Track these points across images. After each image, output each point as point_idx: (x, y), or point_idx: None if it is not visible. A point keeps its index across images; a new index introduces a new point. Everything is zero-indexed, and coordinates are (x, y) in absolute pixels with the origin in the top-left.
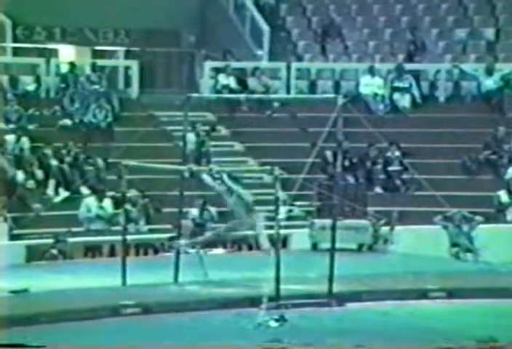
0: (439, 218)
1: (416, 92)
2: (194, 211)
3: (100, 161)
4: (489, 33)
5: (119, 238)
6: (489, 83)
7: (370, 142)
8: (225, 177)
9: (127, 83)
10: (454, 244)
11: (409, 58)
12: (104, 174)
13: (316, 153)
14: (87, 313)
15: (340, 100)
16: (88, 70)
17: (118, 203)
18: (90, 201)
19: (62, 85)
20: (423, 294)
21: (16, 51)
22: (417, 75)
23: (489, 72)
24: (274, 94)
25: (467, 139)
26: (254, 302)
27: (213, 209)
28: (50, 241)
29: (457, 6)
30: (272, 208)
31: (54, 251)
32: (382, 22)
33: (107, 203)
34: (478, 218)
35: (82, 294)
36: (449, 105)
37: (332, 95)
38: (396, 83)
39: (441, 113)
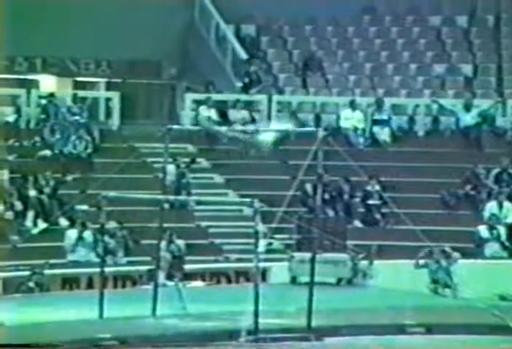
0: (420, 253)
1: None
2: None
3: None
4: (467, 69)
5: (97, 270)
6: (468, 118)
7: (346, 177)
8: None
9: (108, 114)
10: (433, 280)
11: None
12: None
13: (296, 186)
14: (64, 346)
15: (321, 133)
16: (69, 101)
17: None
18: (71, 232)
19: (43, 116)
20: (402, 330)
21: None
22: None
23: (468, 108)
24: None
25: (446, 174)
26: (232, 335)
27: (181, 242)
28: (26, 273)
29: (435, 42)
30: (251, 241)
31: (31, 284)
32: (362, 57)
33: (87, 234)
34: (456, 254)
35: (59, 327)
36: (428, 139)
37: (312, 128)
38: (376, 116)
39: (420, 147)
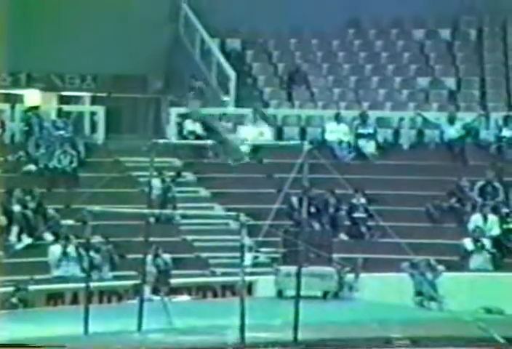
0: (406, 265)
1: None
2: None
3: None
4: (451, 82)
5: (82, 285)
6: (452, 131)
7: (332, 190)
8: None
9: (93, 128)
10: (418, 292)
11: None
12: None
13: (282, 199)
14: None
15: (306, 147)
16: (54, 116)
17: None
18: (55, 247)
19: (27, 130)
20: (388, 342)
21: None
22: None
23: (451, 121)
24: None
25: (431, 187)
26: None
27: (166, 256)
28: (10, 289)
29: (419, 55)
30: (237, 254)
31: (14, 300)
32: (347, 70)
33: (71, 249)
34: (441, 267)
35: (43, 343)
36: (412, 152)
37: (298, 142)
38: (361, 130)
39: (405, 160)
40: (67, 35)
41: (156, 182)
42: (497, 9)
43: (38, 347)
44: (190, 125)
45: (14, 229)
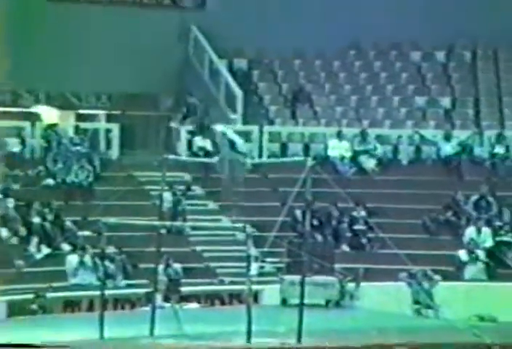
0: (404, 275)
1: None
2: (159, 268)
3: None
4: (446, 101)
5: (98, 292)
6: (448, 148)
7: (335, 203)
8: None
9: (108, 144)
10: (415, 301)
11: None
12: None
13: (286, 211)
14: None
15: (309, 162)
16: (71, 133)
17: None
18: (72, 257)
19: (46, 146)
20: None
21: (3, 115)
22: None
23: (447, 138)
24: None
25: (427, 201)
26: None
27: (177, 266)
28: (30, 296)
29: (416, 76)
30: (244, 264)
31: (34, 306)
32: (348, 90)
33: (87, 259)
34: (437, 277)
35: (61, 347)
36: (411, 167)
37: (301, 157)
38: (361, 147)
39: (403, 175)
40: (83, 58)
41: (167, 196)
42: (489, 34)
43: (38, 347)
44: (199, 141)
45: (34, 240)
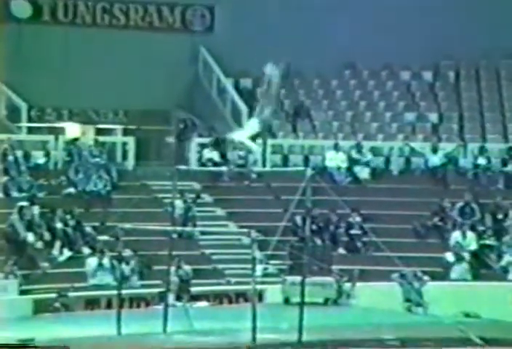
0: (396, 275)
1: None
2: (171, 269)
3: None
4: (433, 117)
5: (115, 292)
6: (435, 159)
7: (334, 210)
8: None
9: (124, 156)
10: (406, 299)
11: None
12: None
13: (288, 218)
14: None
15: (309, 172)
16: (91, 146)
17: (115, 261)
18: (91, 260)
19: (68, 158)
20: (380, 343)
21: (30, 130)
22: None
23: (435, 150)
24: (252, 167)
25: (417, 208)
26: None
27: (188, 267)
28: (54, 295)
29: (406, 93)
30: (249, 266)
31: (58, 305)
32: (344, 106)
33: (106, 261)
34: (426, 277)
35: (82, 342)
36: (401, 177)
37: (301, 168)
38: (356, 158)
39: (394, 184)
40: (104, 78)
41: (179, 203)
42: (471, 56)
43: (39, 347)
44: (208, 153)
45: (57, 244)
